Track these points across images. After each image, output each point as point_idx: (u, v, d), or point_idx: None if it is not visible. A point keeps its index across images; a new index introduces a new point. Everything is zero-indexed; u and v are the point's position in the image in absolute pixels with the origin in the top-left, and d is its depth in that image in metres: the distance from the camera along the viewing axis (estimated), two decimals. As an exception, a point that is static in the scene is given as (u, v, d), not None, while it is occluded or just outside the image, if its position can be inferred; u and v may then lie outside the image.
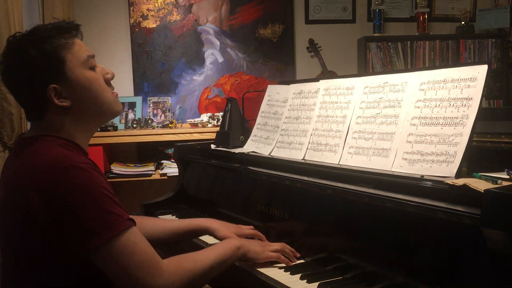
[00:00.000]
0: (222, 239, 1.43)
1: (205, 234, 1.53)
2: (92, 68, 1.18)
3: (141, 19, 3.70)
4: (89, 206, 1.02)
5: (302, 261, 1.37)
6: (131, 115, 3.52)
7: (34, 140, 1.12)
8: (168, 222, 1.56)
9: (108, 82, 1.22)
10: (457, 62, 3.91)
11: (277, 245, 1.37)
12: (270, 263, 1.34)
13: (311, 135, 1.64)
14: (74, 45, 1.16)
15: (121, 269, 1.04)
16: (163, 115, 3.62)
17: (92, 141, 3.49)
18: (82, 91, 1.15)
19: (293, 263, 1.34)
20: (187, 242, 1.58)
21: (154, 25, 3.72)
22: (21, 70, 1.11)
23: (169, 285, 1.07)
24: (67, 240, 1.04)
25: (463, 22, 4.01)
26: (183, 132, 3.28)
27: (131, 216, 1.11)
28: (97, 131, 3.18)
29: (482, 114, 1.19)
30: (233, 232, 1.45)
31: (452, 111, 1.21)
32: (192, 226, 1.51)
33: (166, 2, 3.74)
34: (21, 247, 1.10)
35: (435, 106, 1.26)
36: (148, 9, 3.71)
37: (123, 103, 3.53)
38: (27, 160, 1.09)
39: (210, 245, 1.51)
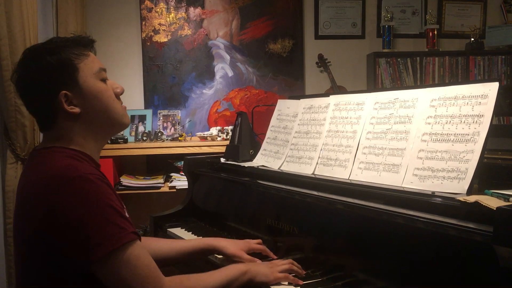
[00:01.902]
0: (231, 256, 1.42)
1: (213, 253, 1.52)
2: (103, 80, 1.22)
3: (152, 33, 3.75)
4: (93, 217, 1.02)
5: (311, 278, 1.37)
6: (141, 128, 3.55)
7: (45, 152, 1.14)
8: (176, 242, 1.55)
9: (117, 96, 1.25)
10: (466, 78, 3.91)
11: (284, 265, 1.34)
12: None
13: (321, 149, 1.65)
14: (88, 57, 1.20)
15: (122, 282, 1.03)
16: (172, 128, 3.65)
17: (102, 153, 3.50)
18: (92, 100, 1.17)
19: (302, 283, 1.32)
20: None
21: (166, 39, 3.77)
22: (35, 76, 1.14)
23: None
24: (69, 251, 1.03)
25: (472, 39, 4.02)
26: (193, 145, 3.30)
27: (137, 230, 1.12)
28: (107, 143, 3.21)
29: (492, 131, 1.19)
30: (241, 249, 1.44)
31: (463, 128, 1.22)
32: (200, 245, 1.50)
33: (177, 17, 3.79)
34: (28, 257, 1.10)
35: (446, 123, 1.26)
36: (159, 24, 3.76)
37: (133, 116, 3.59)
38: (36, 171, 1.10)
39: (221, 261, 1.52)
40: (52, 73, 1.14)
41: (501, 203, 0.97)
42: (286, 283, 1.31)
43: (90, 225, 1.02)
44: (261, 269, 1.31)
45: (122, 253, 1.03)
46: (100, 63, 1.23)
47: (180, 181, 3.23)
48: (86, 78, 1.17)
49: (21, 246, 1.14)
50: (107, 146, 3.20)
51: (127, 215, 1.11)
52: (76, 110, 1.16)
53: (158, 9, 3.76)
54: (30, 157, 1.20)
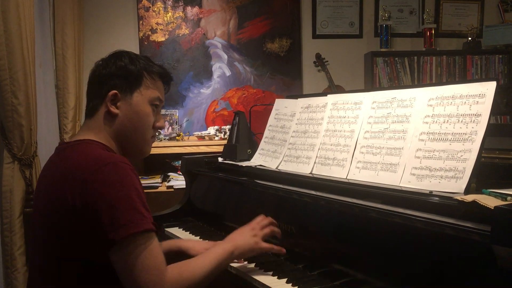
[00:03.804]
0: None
1: (182, 254, 1.53)
2: (153, 108, 1.32)
3: (150, 33, 3.74)
4: (122, 201, 1.08)
5: (309, 278, 1.37)
6: (138, 127, 3.53)
7: (80, 143, 1.23)
8: None
9: (155, 127, 1.35)
10: (464, 78, 3.92)
11: (266, 228, 1.42)
12: (272, 271, 1.36)
13: (318, 149, 1.64)
14: (156, 86, 1.32)
15: (129, 268, 1.07)
16: (170, 127, 3.64)
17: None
18: (132, 114, 1.28)
19: (284, 251, 1.38)
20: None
21: (163, 39, 3.76)
22: (107, 68, 1.27)
23: None
24: (93, 231, 1.08)
25: (470, 38, 4.03)
26: (190, 145, 3.29)
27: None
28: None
29: (490, 130, 1.19)
30: (206, 249, 1.43)
31: (460, 127, 1.22)
32: (171, 246, 1.56)
33: (175, 16, 3.79)
34: (49, 243, 1.16)
35: (444, 122, 1.26)
36: (157, 23, 3.76)
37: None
38: (73, 158, 1.17)
39: None
40: (119, 73, 1.26)
41: (498, 202, 0.97)
42: (283, 279, 1.32)
43: (118, 208, 1.08)
44: (245, 243, 1.36)
45: (140, 238, 1.08)
46: (163, 96, 1.35)
47: (178, 181, 3.22)
48: (141, 96, 1.28)
49: (43, 231, 1.18)
50: (104, 145, 3.19)
51: (148, 207, 1.16)
52: (115, 111, 1.26)
53: (155, 8, 3.75)
54: (60, 149, 1.27)
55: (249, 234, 1.39)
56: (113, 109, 1.26)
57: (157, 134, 1.40)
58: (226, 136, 3.34)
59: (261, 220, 1.45)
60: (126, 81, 1.27)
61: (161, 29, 3.76)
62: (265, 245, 1.39)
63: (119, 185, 1.10)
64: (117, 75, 1.26)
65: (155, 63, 1.36)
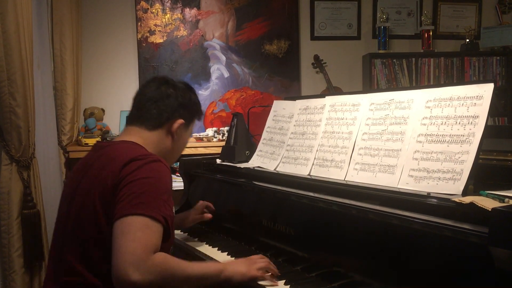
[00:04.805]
0: None
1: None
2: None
3: (148, 34, 3.74)
4: (153, 190, 1.21)
5: (307, 279, 1.37)
6: (136, 129, 3.53)
7: (125, 142, 1.37)
8: None
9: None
10: (461, 79, 3.93)
11: (262, 263, 1.37)
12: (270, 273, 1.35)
13: (317, 150, 1.64)
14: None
15: (120, 239, 1.14)
16: (168, 129, 3.64)
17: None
18: (179, 141, 1.50)
19: (277, 283, 1.33)
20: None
21: (161, 40, 3.76)
22: (185, 97, 1.48)
23: (145, 283, 1.11)
24: (116, 204, 1.19)
25: (467, 40, 4.04)
26: (188, 146, 3.26)
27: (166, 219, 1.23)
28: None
29: (488, 132, 1.19)
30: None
31: (458, 129, 1.22)
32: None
33: (173, 18, 3.79)
34: (83, 226, 1.27)
35: (442, 124, 1.27)
36: (155, 25, 3.76)
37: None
38: (122, 148, 1.32)
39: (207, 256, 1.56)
40: (189, 106, 1.49)
41: (496, 204, 0.97)
42: (265, 282, 1.32)
43: (148, 193, 1.20)
44: (238, 268, 1.34)
45: (144, 220, 1.16)
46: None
47: (176, 182, 3.20)
48: (189, 131, 1.53)
49: (76, 216, 1.28)
50: (102, 147, 3.19)
51: (171, 204, 1.27)
52: (175, 136, 1.46)
53: (153, 10, 3.75)
54: (104, 144, 1.40)
55: (244, 263, 1.37)
56: (174, 134, 1.45)
57: None
58: (224, 138, 3.34)
59: (258, 257, 1.42)
60: (191, 116, 1.50)
61: (159, 31, 3.76)
62: (257, 272, 1.34)
63: (154, 177, 1.23)
64: (188, 108, 1.48)
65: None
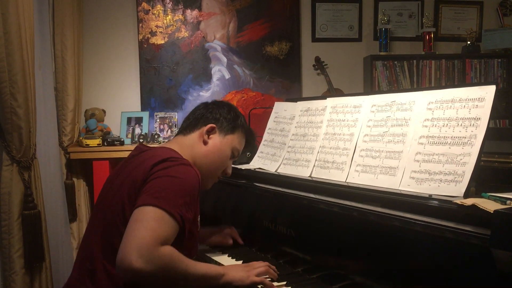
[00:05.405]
0: None
1: None
2: (231, 155, 1.56)
3: (149, 36, 3.75)
4: (172, 187, 1.24)
5: (308, 281, 1.36)
6: (137, 130, 3.54)
7: (162, 147, 1.46)
8: None
9: (222, 171, 1.57)
10: (463, 81, 3.92)
11: (261, 267, 1.37)
12: None
13: (318, 152, 1.64)
14: (243, 139, 1.60)
15: (131, 229, 1.16)
16: (169, 130, 3.64)
17: (99, 155, 3.47)
18: (217, 151, 1.52)
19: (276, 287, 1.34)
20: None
21: (162, 42, 3.77)
22: (221, 107, 1.59)
23: (145, 272, 1.12)
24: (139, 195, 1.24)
25: (469, 42, 4.04)
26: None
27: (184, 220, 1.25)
28: (104, 145, 3.20)
29: (489, 134, 1.19)
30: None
31: (460, 131, 1.22)
32: None
33: (174, 19, 3.79)
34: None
35: (443, 126, 1.26)
36: (156, 26, 3.76)
37: (129, 118, 3.58)
38: (156, 152, 1.38)
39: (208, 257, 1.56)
40: (224, 115, 1.55)
41: (498, 206, 0.97)
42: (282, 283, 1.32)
43: (171, 190, 1.23)
44: (238, 274, 1.34)
45: (157, 211, 1.18)
46: (241, 151, 1.62)
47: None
48: (230, 142, 1.54)
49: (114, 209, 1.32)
50: (103, 148, 3.19)
51: (193, 209, 1.29)
52: (206, 140, 1.51)
53: (155, 11, 3.75)
54: (144, 147, 1.47)
55: (243, 269, 1.38)
56: (205, 138, 1.50)
57: (220, 177, 1.62)
58: (225, 139, 3.34)
59: (257, 263, 1.42)
60: (227, 123, 1.55)
61: (161, 32, 3.76)
62: (256, 278, 1.34)
63: (180, 177, 1.26)
64: (224, 117, 1.55)
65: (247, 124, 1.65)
